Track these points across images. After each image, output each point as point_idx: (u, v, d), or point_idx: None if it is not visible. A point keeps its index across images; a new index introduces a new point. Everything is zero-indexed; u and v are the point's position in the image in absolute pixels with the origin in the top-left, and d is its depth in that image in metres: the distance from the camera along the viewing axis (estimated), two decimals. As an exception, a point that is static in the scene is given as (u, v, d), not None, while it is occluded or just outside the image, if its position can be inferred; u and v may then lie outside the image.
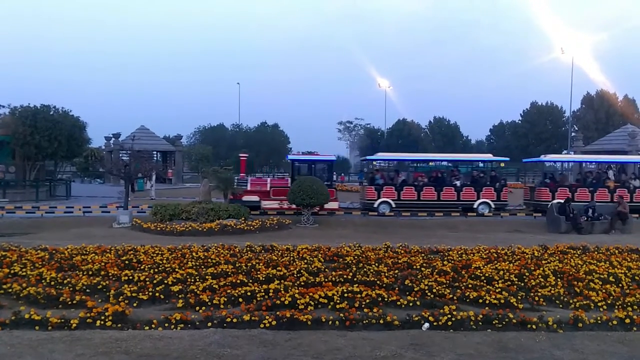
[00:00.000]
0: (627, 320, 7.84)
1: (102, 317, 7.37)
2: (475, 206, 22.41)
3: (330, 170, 23.48)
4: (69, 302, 8.15)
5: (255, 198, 21.73)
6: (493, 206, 22.43)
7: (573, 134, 48.35)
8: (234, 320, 7.44)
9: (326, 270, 10.24)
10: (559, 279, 9.92)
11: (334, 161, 24.09)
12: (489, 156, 26.51)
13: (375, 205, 22.14)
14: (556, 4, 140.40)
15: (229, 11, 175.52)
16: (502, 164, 24.79)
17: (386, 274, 9.79)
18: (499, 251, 12.31)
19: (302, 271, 9.85)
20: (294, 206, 20.41)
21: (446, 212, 22.14)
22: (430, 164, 27.01)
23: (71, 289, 8.84)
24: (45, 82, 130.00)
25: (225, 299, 8.34)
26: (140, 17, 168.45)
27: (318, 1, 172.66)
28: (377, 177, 23.17)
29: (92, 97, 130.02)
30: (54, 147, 27.13)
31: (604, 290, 9.30)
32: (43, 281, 9.16)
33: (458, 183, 22.91)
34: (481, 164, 25.83)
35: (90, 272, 9.86)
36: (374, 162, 24.79)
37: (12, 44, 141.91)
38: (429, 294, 8.79)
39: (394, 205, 22.29)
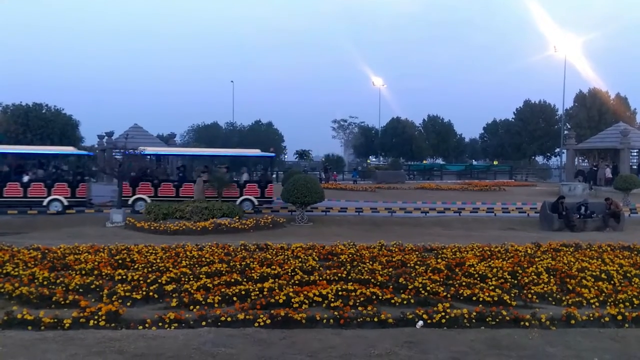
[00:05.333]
0: (619, 317, 7.89)
1: (96, 317, 7.34)
2: (45, 203, 20.69)
3: None
4: (62, 302, 8.11)
5: None
6: (66, 203, 20.81)
7: (566, 132, 48.47)
8: (228, 319, 7.43)
9: (320, 268, 10.25)
10: (551, 276, 9.97)
11: None
12: (70, 149, 24.22)
13: None
14: (549, 3, 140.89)
15: (224, 9, 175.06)
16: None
17: (380, 272, 9.81)
18: (492, 249, 12.36)
19: (296, 270, 9.85)
20: None
21: (21, 210, 20.58)
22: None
23: (64, 288, 8.80)
24: (38, 80, 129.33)
25: (220, 298, 8.33)
26: (134, 15, 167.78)
27: (313, 1, 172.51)
28: None
29: (85, 95, 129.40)
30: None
31: (596, 287, 9.35)
32: (35, 281, 9.11)
33: (26, 178, 21.11)
34: (64, 158, 23.79)
35: (83, 272, 9.82)
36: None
37: (2, 41, 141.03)
38: (423, 291, 8.81)
39: None
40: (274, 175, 37.56)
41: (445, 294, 8.75)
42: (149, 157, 23.43)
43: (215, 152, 27.49)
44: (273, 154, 25.01)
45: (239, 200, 21.75)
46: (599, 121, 53.24)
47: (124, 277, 9.47)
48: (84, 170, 23.11)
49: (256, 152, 25.03)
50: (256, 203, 22.00)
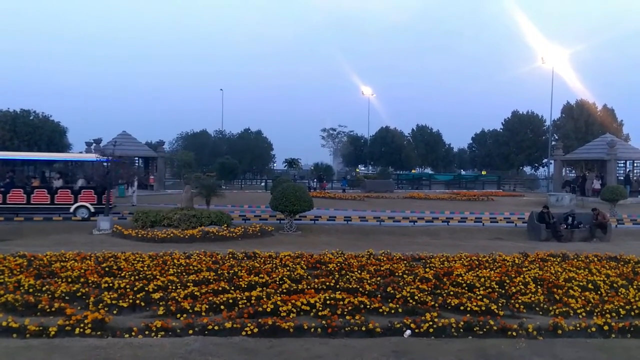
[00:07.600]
0: (606, 327, 7.94)
1: (82, 325, 7.27)
2: None
3: None
4: (48, 310, 8.04)
5: None
6: None
7: (553, 142, 48.97)
8: (216, 327, 7.39)
9: (308, 277, 10.23)
10: (539, 286, 10.01)
11: None
12: None
13: None
14: (537, 15, 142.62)
15: (214, 17, 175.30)
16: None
17: (368, 281, 9.81)
18: (480, 258, 12.40)
19: (284, 278, 9.83)
20: None
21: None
22: None
23: (50, 296, 8.71)
24: (26, 87, 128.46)
25: (207, 307, 8.29)
26: (123, 22, 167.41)
27: (303, 10, 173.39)
28: None
29: (73, 102, 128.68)
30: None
31: (583, 298, 9.41)
32: (21, 288, 9.02)
33: None
34: None
35: (69, 279, 9.74)
36: None
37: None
38: (411, 301, 8.82)
39: None
40: (263, 184, 37.26)
41: (433, 303, 8.76)
42: None
43: (48, 156, 25.44)
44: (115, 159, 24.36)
45: (72, 207, 21.02)
46: (586, 132, 53.77)
47: (111, 284, 9.39)
48: None
49: (93, 156, 23.94)
50: (92, 210, 21.07)
